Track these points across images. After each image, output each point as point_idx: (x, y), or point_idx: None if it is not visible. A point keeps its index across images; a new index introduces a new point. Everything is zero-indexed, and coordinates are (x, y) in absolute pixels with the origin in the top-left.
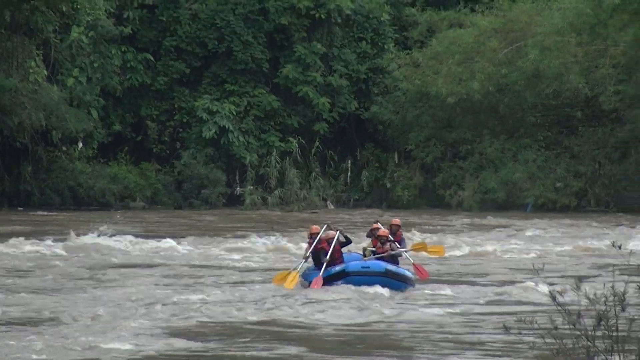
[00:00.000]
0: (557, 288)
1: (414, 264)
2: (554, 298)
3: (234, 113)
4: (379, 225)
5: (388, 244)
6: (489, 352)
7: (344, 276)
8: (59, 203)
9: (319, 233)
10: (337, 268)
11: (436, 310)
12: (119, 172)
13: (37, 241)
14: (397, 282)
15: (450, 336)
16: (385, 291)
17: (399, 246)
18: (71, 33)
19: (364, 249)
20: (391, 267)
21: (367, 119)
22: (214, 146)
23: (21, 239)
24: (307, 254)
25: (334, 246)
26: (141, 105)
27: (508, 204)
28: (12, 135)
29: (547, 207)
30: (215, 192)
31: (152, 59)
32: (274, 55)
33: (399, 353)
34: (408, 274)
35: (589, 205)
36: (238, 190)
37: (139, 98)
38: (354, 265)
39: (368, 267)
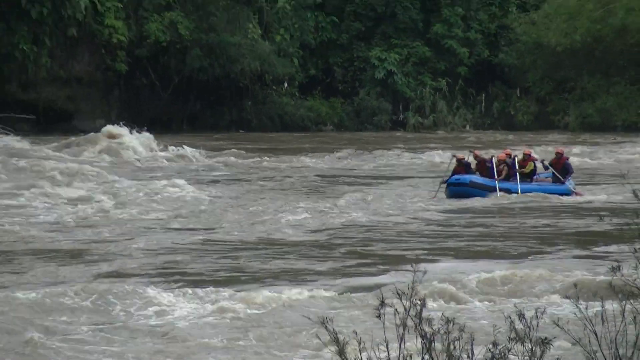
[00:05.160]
0: None
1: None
2: (636, 195)
3: (398, 60)
4: (509, 151)
5: (502, 165)
6: (585, 239)
7: (448, 186)
8: (271, 127)
9: (463, 159)
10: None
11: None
12: (314, 104)
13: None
14: (479, 191)
15: (549, 226)
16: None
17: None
18: (278, 2)
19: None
20: (476, 179)
21: (496, 64)
22: (383, 85)
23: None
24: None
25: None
26: (330, 55)
27: (602, 126)
28: (237, 78)
29: (632, 128)
30: (384, 118)
31: (337, 20)
32: (426, 17)
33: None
34: (491, 184)
35: None
36: (401, 116)
37: (328, 50)
38: (452, 178)
39: (459, 180)
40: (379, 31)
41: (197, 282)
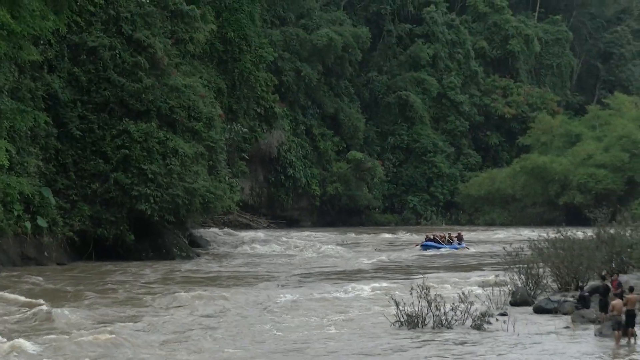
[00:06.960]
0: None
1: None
2: (504, 248)
3: (417, 201)
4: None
5: (445, 238)
6: (481, 264)
7: (423, 245)
8: (371, 225)
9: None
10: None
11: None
12: (387, 216)
13: None
14: (435, 248)
15: (465, 260)
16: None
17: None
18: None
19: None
20: (433, 244)
21: (453, 201)
22: (413, 210)
23: None
24: (420, 242)
25: (435, 239)
26: (393, 200)
27: (492, 224)
28: (360, 207)
29: (504, 224)
30: (414, 221)
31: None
32: (427, 183)
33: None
34: (439, 245)
35: None
36: (419, 220)
37: (392, 198)
38: (424, 242)
39: (427, 243)
40: (409, 192)
41: (321, 280)
